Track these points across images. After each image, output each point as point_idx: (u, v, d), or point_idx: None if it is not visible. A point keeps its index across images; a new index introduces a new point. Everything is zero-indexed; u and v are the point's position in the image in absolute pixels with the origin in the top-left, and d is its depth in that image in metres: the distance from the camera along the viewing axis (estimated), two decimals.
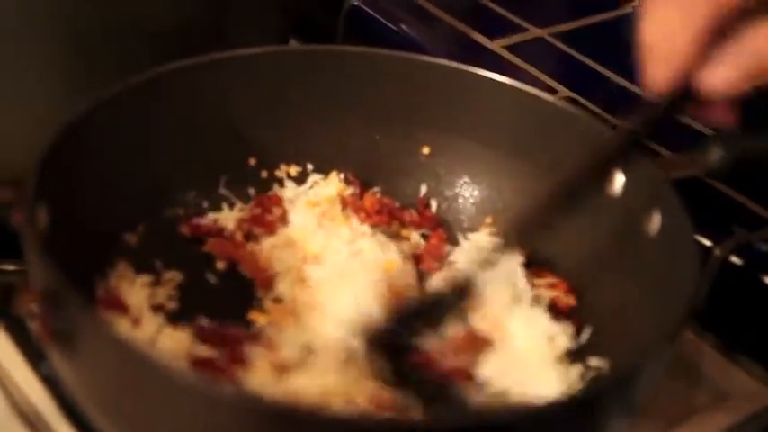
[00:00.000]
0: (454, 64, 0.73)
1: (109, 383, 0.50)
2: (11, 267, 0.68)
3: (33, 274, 0.52)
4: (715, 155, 0.64)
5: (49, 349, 0.53)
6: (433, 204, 0.74)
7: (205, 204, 0.71)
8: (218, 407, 0.45)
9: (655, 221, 0.63)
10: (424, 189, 0.74)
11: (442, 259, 0.70)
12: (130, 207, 0.66)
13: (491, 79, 0.72)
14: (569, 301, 0.67)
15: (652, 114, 0.57)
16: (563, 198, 0.59)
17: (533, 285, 0.67)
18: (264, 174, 0.73)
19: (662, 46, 0.53)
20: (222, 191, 0.71)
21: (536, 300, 0.66)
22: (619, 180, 0.67)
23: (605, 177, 0.61)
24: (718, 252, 0.72)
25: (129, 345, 0.48)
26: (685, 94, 0.55)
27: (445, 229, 0.73)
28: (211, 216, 0.70)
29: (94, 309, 0.56)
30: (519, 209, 0.70)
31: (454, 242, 0.72)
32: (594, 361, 0.62)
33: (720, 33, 0.53)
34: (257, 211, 0.70)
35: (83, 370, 0.51)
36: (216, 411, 0.46)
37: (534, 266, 0.69)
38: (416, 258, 0.70)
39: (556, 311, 0.66)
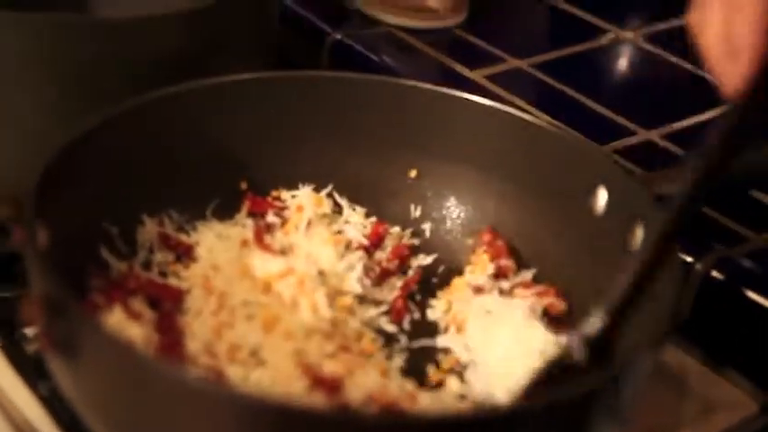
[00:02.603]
0: (439, 88, 0.74)
1: (112, 391, 0.51)
2: (8, 294, 0.69)
3: (34, 285, 0.53)
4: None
5: (52, 360, 0.54)
6: (426, 229, 0.76)
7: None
8: (225, 409, 0.46)
9: (638, 237, 0.65)
10: (413, 210, 0.76)
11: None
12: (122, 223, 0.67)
13: (475, 102, 0.73)
14: (561, 306, 0.68)
15: (732, 123, 0.53)
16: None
17: (523, 297, 0.69)
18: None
19: (726, 44, 0.50)
20: (208, 214, 0.72)
21: (532, 310, 0.67)
22: (602, 198, 0.69)
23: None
24: (699, 267, 0.74)
25: (131, 350, 0.48)
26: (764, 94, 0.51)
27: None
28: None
29: (97, 317, 0.56)
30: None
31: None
32: None
33: None
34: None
35: (86, 379, 0.52)
36: (222, 414, 0.47)
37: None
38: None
39: (550, 318, 0.67)
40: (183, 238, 0.70)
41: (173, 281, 0.66)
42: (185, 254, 0.69)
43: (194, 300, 0.65)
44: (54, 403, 0.61)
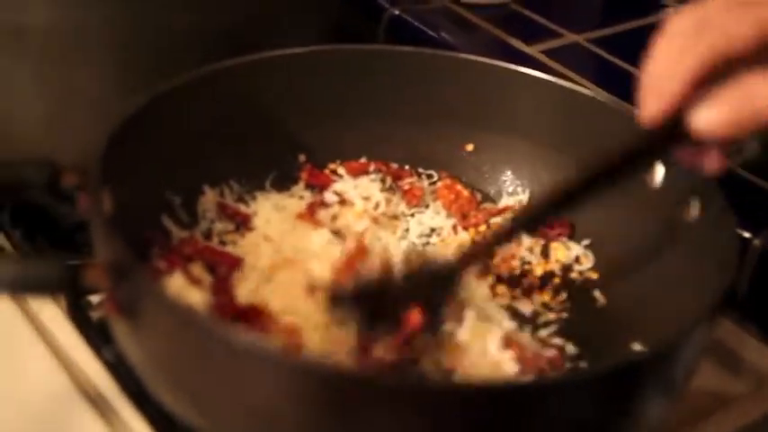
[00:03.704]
0: (495, 61, 0.75)
1: (173, 353, 0.52)
2: (74, 262, 0.72)
3: (99, 250, 0.55)
4: (753, 145, 0.66)
5: (116, 324, 0.56)
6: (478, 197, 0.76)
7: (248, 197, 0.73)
8: (284, 373, 0.47)
9: (694, 209, 0.65)
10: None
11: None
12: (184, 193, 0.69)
13: (531, 76, 0.74)
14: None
15: (637, 144, 0.57)
16: (594, 182, 0.58)
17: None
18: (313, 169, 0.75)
19: (657, 81, 0.54)
20: (267, 185, 0.74)
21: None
22: (659, 172, 0.69)
23: (641, 168, 0.62)
24: (756, 243, 0.74)
25: (192, 313, 0.50)
26: (677, 132, 0.55)
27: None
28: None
29: (159, 282, 0.58)
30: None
31: None
32: (638, 346, 0.63)
33: (716, 77, 0.52)
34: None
35: (148, 342, 0.53)
36: (281, 378, 0.48)
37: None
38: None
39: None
40: (242, 207, 0.71)
41: (231, 249, 0.68)
42: (243, 223, 0.70)
43: (248, 267, 0.66)
44: (118, 368, 0.63)
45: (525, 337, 0.65)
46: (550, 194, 0.58)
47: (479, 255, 0.61)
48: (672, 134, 0.54)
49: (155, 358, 0.54)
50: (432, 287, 0.60)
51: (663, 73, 0.53)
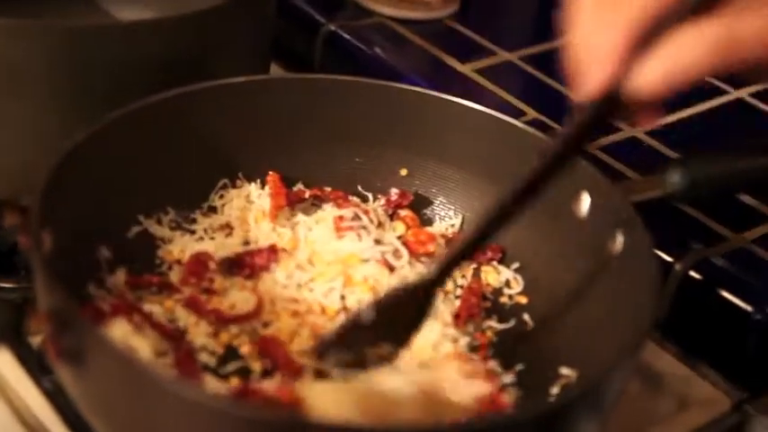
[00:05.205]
0: (428, 91, 0.77)
1: (116, 400, 0.53)
2: (10, 285, 0.72)
3: (41, 296, 0.55)
4: (676, 179, 0.68)
5: (58, 367, 0.56)
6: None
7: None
8: (228, 422, 0.49)
9: (618, 241, 0.67)
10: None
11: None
12: (121, 223, 0.70)
13: (462, 105, 0.76)
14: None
15: (585, 119, 0.57)
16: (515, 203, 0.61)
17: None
18: None
19: (589, 55, 0.54)
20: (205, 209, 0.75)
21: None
22: (585, 202, 0.71)
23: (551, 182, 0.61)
24: (678, 267, 0.77)
25: (136, 362, 0.51)
26: (614, 99, 0.55)
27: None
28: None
29: (102, 329, 0.59)
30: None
31: None
32: (565, 370, 0.66)
33: (643, 40, 0.53)
34: None
35: (91, 387, 0.54)
36: (224, 426, 0.49)
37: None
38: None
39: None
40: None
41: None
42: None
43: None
44: (58, 397, 0.64)
45: None
46: (518, 182, 0.60)
47: (449, 270, 0.62)
48: (611, 102, 0.55)
49: (98, 403, 0.55)
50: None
51: (597, 43, 0.54)
